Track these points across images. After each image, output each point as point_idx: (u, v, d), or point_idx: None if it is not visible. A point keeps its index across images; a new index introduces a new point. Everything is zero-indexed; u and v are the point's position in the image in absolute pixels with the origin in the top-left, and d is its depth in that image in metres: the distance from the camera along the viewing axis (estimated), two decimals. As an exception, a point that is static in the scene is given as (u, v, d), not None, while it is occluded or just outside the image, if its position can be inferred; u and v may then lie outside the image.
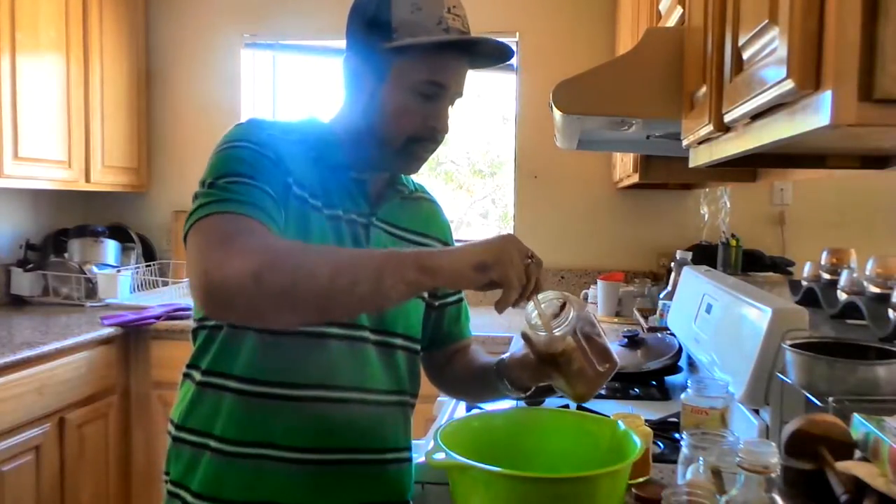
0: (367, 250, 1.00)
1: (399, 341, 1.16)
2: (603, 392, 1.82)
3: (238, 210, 0.96)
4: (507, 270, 0.91)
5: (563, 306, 1.08)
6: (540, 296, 1.06)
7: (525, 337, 1.09)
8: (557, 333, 1.03)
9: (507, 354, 1.18)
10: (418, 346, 1.22)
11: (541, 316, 1.04)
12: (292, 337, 1.04)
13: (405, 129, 1.10)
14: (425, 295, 1.23)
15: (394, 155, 1.12)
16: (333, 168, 1.12)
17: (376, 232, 1.15)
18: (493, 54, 1.13)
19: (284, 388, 1.06)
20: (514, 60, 3.39)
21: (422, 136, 1.11)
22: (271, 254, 0.91)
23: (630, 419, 1.13)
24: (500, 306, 0.95)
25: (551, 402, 1.62)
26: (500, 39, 1.10)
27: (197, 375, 1.10)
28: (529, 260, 0.95)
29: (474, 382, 1.27)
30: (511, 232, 0.98)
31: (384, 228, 1.17)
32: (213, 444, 1.07)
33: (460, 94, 1.14)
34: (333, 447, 1.08)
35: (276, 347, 1.05)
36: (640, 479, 1.13)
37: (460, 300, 1.34)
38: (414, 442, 1.41)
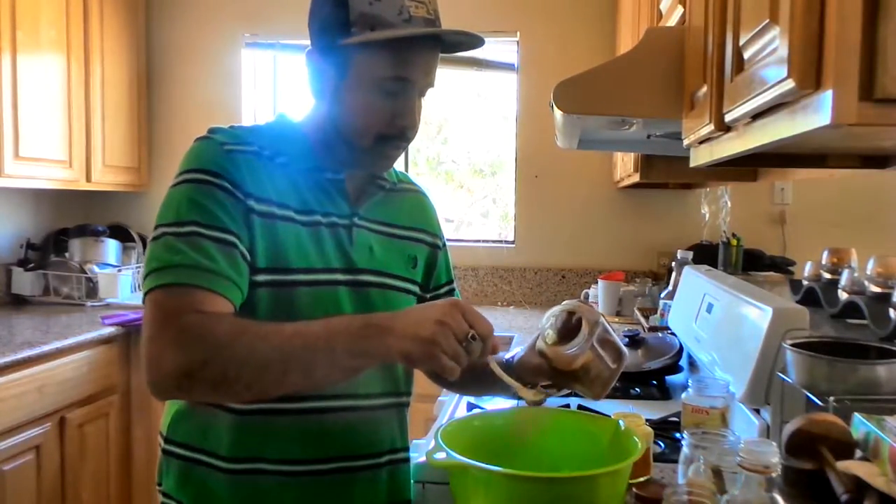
0: (303, 332, 0.93)
1: None
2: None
3: (184, 281, 0.95)
4: (436, 362, 0.89)
5: (570, 314, 1.07)
6: (548, 312, 1.08)
7: (542, 354, 1.07)
8: (576, 351, 1.03)
9: (513, 355, 1.15)
10: None
11: (555, 336, 1.06)
12: None
13: (372, 129, 1.05)
14: (417, 290, 1.21)
15: (362, 154, 1.08)
16: (306, 170, 1.09)
17: (359, 232, 1.11)
18: (462, 41, 1.07)
19: (276, 402, 1.03)
20: (514, 60, 3.39)
21: (390, 135, 1.06)
22: (203, 347, 0.91)
23: (631, 419, 1.13)
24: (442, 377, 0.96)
25: (552, 402, 1.62)
26: (470, 31, 1.04)
27: None
28: (471, 340, 0.90)
29: (473, 378, 1.23)
30: (456, 301, 0.92)
31: (368, 227, 1.13)
32: (205, 458, 1.06)
33: (431, 85, 1.08)
34: (328, 456, 1.07)
35: None
36: (641, 479, 1.13)
37: (451, 291, 1.29)
38: (414, 442, 1.41)
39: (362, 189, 1.15)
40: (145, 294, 0.97)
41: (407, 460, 1.19)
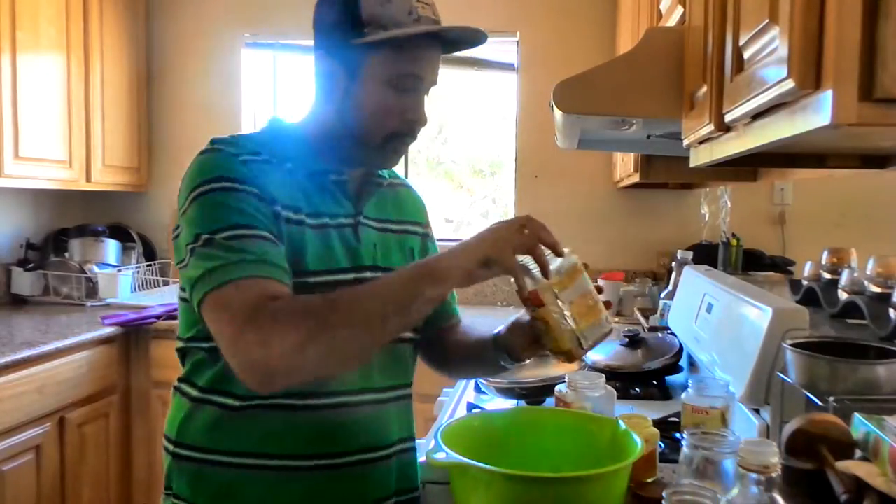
0: (380, 283, 1.00)
1: (408, 334, 1.18)
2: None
3: (252, 273, 0.94)
4: (507, 261, 0.97)
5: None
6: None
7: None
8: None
9: (501, 328, 1.20)
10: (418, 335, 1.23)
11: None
12: None
13: (384, 126, 1.08)
14: None
15: (373, 152, 1.11)
16: (312, 174, 1.10)
17: (365, 231, 1.14)
18: (466, 39, 1.10)
19: (291, 399, 1.05)
20: (514, 60, 3.39)
21: (401, 132, 1.09)
22: (303, 324, 0.91)
23: (636, 420, 1.13)
24: (520, 295, 1.04)
25: (551, 402, 1.62)
26: (475, 28, 1.08)
27: (193, 392, 1.09)
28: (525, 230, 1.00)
29: (468, 358, 1.27)
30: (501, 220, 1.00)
31: (371, 225, 1.16)
32: (219, 458, 1.06)
33: (435, 83, 1.12)
34: (344, 451, 1.08)
35: None
36: (649, 480, 1.12)
37: None
38: (415, 441, 1.40)
39: (362, 188, 1.17)
40: (205, 296, 0.95)
41: (414, 449, 1.21)
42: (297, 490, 1.06)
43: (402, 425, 1.17)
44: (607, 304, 1.15)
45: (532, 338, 1.13)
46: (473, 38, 1.10)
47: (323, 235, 1.08)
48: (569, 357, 1.11)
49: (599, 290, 1.15)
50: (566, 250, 1.09)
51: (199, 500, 1.08)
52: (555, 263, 1.07)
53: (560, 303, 1.07)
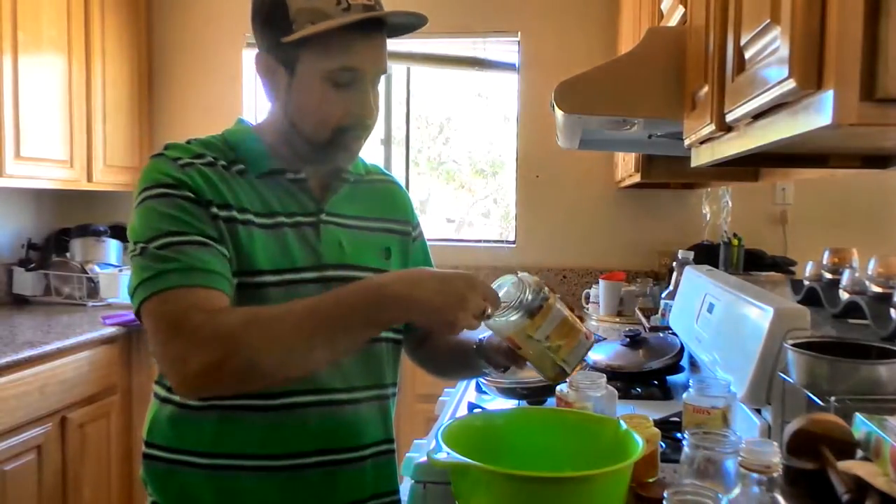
0: (313, 302, 0.95)
1: (385, 333, 1.16)
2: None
3: (179, 283, 0.95)
4: (452, 330, 0.95)
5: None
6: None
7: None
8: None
9: (485, 336, 1.18)
10: (401, 336, 1.22)
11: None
12: None
13: (328, 123, 1.06)
14: None
15: (323, 150, 1.08)
16: (265, 174, 1.09)
17: (327, 228, 1.11)
18: (407, 22, 1.07)
19: (244, 399, 1.04)
20: (515, 60, 3.39)
21: (348, 127, 1.06)
22: (221, 342, 0.91)
23: (638, 420, 1.13)
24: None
25: (552, 403, 1.62)
26: (411, 11, 1.04)
27: (162, 392, 1.10)
28: (486, 315, 0.99)
29: (453, 360, 1.27)
30: (473, 279, 0.95)
31: (336, 222, 1.13)
32: (186, 458, 1.07)
33: (383, 72, 1.08)
34: (309, 450, 1.07)
35: None
36: (650, 480, 1.13)
37: None
38: (416, 441, 1.41)
39: (327, 185, 1.15)
40: (139, 306, 0.96)
41: (392, 452, 1.19)
42: (257, 490, 1.06)
43: (379, 427, 1.15)
44: (580, 319, 1.17)
45: (512, 358, 1.15)
46: (413, 22, 1.07)
47: (277, 234, 1.07)
48: (554, 381, 1.15)
49: (571, 308, 1.16)
50: (535, 279, 1.08)
51: (167, 500, 1.09)
52: (525, 299, 1.07)
53: (536, 341, 1.08)
